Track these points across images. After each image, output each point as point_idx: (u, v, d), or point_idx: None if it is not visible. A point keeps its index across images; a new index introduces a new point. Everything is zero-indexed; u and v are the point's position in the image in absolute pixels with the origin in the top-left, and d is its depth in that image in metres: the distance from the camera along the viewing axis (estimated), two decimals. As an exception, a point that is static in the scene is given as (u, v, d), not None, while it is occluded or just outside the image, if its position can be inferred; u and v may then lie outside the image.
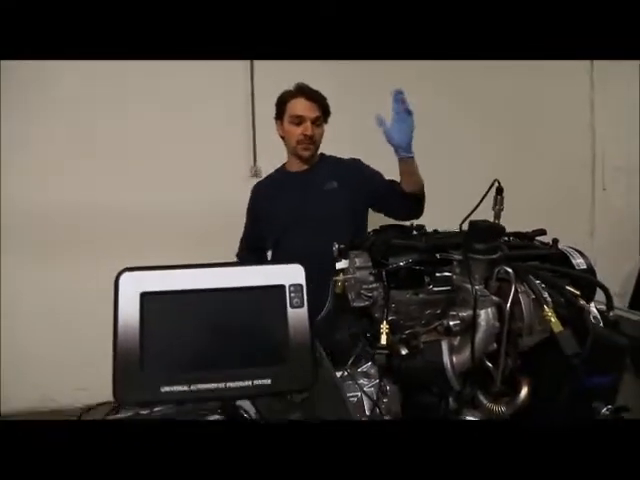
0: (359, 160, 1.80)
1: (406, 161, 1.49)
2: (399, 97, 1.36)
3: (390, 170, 1.73)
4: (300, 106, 1.70)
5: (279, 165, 1.90)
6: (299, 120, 1.70)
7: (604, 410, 0.79)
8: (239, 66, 2.78)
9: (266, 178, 1.94)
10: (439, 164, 2.87)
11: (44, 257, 2.68)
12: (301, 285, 0.62)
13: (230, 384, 0.58)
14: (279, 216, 1.74)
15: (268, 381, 0.58)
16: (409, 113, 1.38)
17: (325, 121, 1.77)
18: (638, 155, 3.11)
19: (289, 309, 0.61)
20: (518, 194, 2.54)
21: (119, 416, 0.75)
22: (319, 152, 1.81)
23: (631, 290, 2.89)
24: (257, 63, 2.78)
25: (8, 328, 2.62)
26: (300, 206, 1.71)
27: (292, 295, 0.61)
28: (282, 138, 1.80)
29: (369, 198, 1.71)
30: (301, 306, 0.61)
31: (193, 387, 0.57)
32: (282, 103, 1.75)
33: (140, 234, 2.65)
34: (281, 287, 0.62)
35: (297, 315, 0.60)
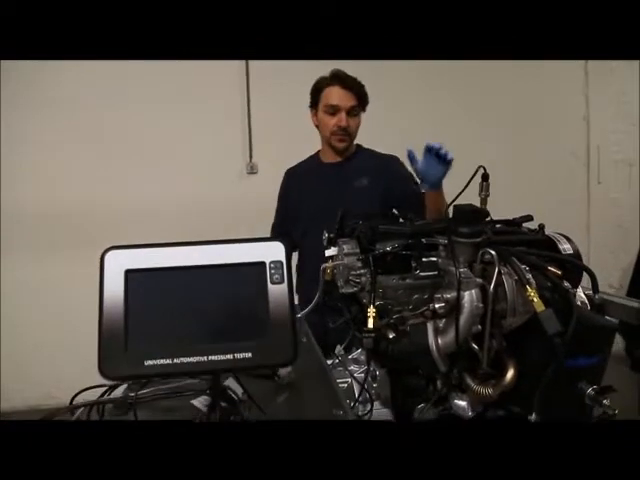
0: (397, 158, 1.72)
1: (432, 194, 1.45)
2: (440, 152, 1.32)
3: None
4: (335, 95, 1.63)
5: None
6: (334, 110, 1.63)
7: (589, 390, 0.80)
8: (235, 65, 2.80)
9: (299, 165, 1.86)
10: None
11: (45, 256, 2.70)
12: (281, 262, 0.63)
13: (212, 357, 0.59)
14: (306, 208, 1.70)
15: (249, 354, 0.59)
16: (447, 162, 1.34)
17: (363, 110, 1.69)
18: (633, 148, 3.11)
19: (269, 285, 0.62)
20: (514, 188, 2.58)
21: (110, 397, 0.77)
22: (356, 143, 1.74)
23: (627, 283, 2.88)
24: (252, 62, 2.80)
25: (9, 327, 2.64)
26: (327, 201, 1.63)
27: (272, 272, 0.63)
28: (316, 127, 1.73)
29: (394, 200, 1.61)
30: (281, 282, 0.62)
31: (176, 360, 0.59)
32: (317, 91, 1.68)
33: (139, 232, 2.66)
34: (262, 264, 0.63)
35: (277, 291, 0.62)
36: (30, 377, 2.71)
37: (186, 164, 2.77)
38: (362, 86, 1.67)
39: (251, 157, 2.85)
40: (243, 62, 2.79)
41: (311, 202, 1.70)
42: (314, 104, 1.70)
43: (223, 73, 2.76)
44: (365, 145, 1.80)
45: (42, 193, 2.69)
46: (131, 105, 2.72)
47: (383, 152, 1.77)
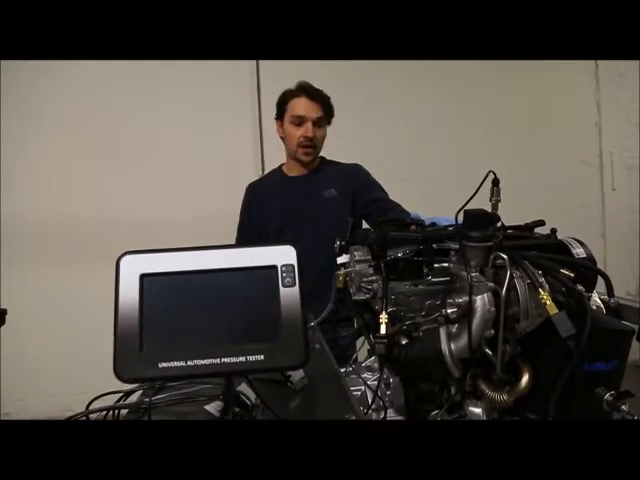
0: (360, 166, 1.75)
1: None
2: None
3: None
4: (301, 105, 1.64)
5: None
6: (300, 120, 1.63)
7: (607, 396, 0.78)
8: (246, 77, 2.82)
9: (262, 180, 1.87)
10: (447, 165, 2.89)
11: (46, 266, 2.70)
12: (293, 265, 0.64)
13: (225, 359, 0.60)
14: (275, 222, 1.68)
15: (262, 357, 0.60)
16: None
17: (328, 122, 1.70)
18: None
19: (281, 288, 0.63)
20: (527, 196, 2.56)
21: (125, 403, 0.78)
22: (320, 155, 1.75)
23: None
24: (263, 74, 2.81)
25: (26, 340, 2.66)
26: (298, 213, 1.65)
27: (284, 275, 0.64)
28: (282, 139, 1.74)
29: (362, 208, 1.64)
30: (293, 285, 0.63)
31: (190, 362, 0.60)
32: (283, 102, 1.69)
33: (145, 241, 2.66)
34: (273, 267, 0.64)
35: (289, 294, 0.63)
36: (48, 388, 2.73)
37: (193, 174, 2.78)
38: (328, 98, 1.68)
39: (263, 172, 2.87)
40: (254, 75, 2.81)
41: (279, 215, 1.67)
42: (280, 116, 1.71)
43: (235, 86, 2.79)
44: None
45: (43, 203, 2.71)
46: (136, 112, 2.74)
47: (346, 162, 1.76)
